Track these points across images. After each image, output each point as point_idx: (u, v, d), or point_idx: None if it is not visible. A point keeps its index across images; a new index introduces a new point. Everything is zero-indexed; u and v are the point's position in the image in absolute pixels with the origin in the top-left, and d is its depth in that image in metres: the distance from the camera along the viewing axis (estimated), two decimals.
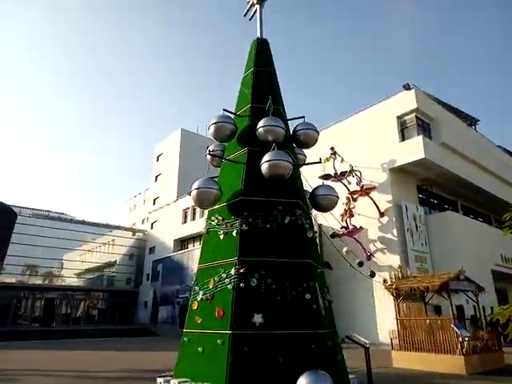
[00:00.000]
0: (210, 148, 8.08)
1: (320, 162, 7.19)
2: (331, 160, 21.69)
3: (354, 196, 21.19)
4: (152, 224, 42.46)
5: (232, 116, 7.77)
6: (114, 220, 52.06)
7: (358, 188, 21.04)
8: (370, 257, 19.94)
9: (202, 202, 6.83)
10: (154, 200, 45.37)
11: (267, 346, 5.69)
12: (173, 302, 32.98)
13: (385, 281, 11.49)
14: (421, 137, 20.19)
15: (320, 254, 7.40)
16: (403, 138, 21.49)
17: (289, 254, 6.38)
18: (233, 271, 6.16)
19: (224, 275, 6.28)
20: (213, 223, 7.11)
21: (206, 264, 6.90)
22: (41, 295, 36.19)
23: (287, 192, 6.90)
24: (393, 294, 11.24)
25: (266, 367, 5.54)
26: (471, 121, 27.20)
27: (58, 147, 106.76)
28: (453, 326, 9.66)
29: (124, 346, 19.69)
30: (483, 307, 13.58)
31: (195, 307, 6.64)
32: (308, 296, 6.06)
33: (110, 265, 41.31)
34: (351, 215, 21.03)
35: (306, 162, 8.29)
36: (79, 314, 38.53)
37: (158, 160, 47.22)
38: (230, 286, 6.09)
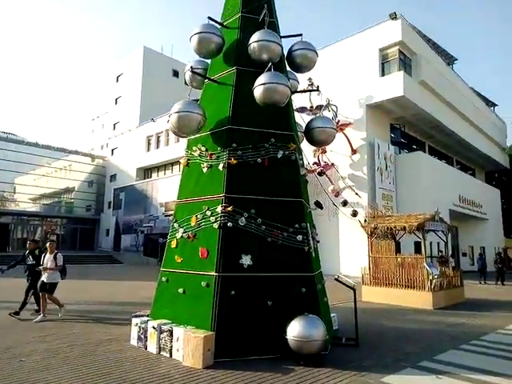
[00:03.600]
0: (191, 65, 6.90)
1: (318, 90, 6.36)
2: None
3: None
4: (112, 150, 40.25)
5: (218, 27, 6.55)
6: (70, 145, 48.57)
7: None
8: (338, 193, 20.04)
9: (181, 128, 5.86)
10: (114, 125, 42.57)
11: (256, 289, 5.28)
12: (136, 231, 32.60)
13: (365, 220, 11.41)
14: (402, 72, 19.46)
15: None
16: (383, 72, 20.65)
17: (281, 192, 5.76)
18: (219, 209, 5.50)
19: (208, 213, 5.61)
20: (194, 154, 6.26)
21: (186, 199, 6.17)
22: None
23: (281, 123, 6.10)
24: (367, 233, 11.25)
25: (255, 311, 5.17)
26: (450, 59, 26.59)
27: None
28: (425, 264, 9.87)
29: (88, 274, 19.24)
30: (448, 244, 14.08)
31: (174, 245, 6.02)
32: (300, 237, 5.60)
33: (67, 191, 39.52)
34: (324, 151, 20.61)
35: (298, 89, 7.41)
36: (37, 240, 37.40)
37: (117, 80, 43.44)
38: (215, 225, 5.47)
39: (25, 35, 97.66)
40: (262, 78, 5.57)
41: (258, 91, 5.59)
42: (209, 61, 6.96)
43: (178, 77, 40.07)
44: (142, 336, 5.41)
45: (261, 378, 4.28)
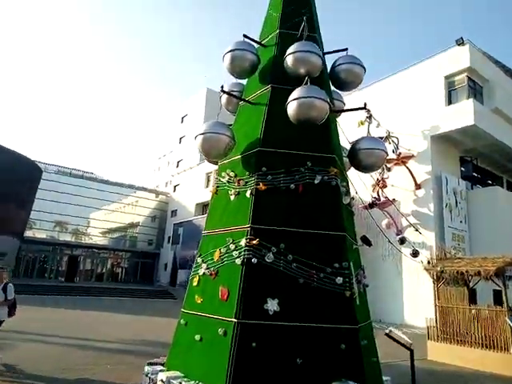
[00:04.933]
0: (225, 88, 6.47)
1: (365, 108, 5.50)
2: (366, 124, 19.56)
3: (389, 165, 19.17)
4: (175, 187, 41.77)
5: (255, 45, 6.09)
6: (138, 181, 51.82)
7: (393, 156, 18.99)
8: (400, 232, 18.23)
9: (208, 151, 5.32)
10: (178, 163, 44.55)
11: (282, 342, 4.32)
12: (191, 266, 32.66)
13: (429, 262, 9.87)
14: (471, 100, 17.76)
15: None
16: (450, 101, 19.07)
17: (318, 223, 4.86)
18: (243, 242, 4.73)
19: (232, 246, 4.87)
20: (223, 180, 5.65)
21: (211, 231, 5.51)
22: (68, 252, 36.74)
23: (320, 144, 5.30)
24: (433, 277, 9.66)
25: (280, 370, 4.19)
26: None
27: (83, 106, 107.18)
28: (507, 319, 8.06)
29: (140, 309, 19.19)
30: None
31: (195, 283, 5.33)
32: (340, 280, 4.59)
33: (132, 225, 41.28)
34: (384, 186, 19.12)
35: (344, 116, 6.62)
36: (102, 272, 39.20)
37: (182, 121, 45.90)
38: (238, 261, 4.69)
39: (99, 79, 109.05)
40: (295, 93, 4.90)
41: (291, 107, 4.91)
42: (245, 82, 6.51)
43: None
44: None
45: None
